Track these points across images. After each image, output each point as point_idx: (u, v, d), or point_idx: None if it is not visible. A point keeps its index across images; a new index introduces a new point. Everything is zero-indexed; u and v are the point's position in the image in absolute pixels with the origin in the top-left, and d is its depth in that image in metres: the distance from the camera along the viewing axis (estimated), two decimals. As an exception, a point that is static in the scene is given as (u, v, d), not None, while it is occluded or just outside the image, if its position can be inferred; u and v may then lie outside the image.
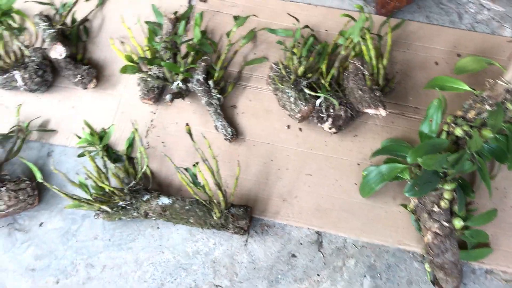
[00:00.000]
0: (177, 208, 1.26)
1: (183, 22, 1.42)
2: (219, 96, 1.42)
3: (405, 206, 1.30)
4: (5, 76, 1.42)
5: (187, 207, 1.26)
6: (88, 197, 1.20)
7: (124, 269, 1.26)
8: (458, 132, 1.19)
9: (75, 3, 1.57)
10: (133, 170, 1.32)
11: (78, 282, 1.25)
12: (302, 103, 1.35)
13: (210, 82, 1.42)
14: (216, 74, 1.45)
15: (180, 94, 1.41)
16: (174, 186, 1.36)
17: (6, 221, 1.31)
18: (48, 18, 1.56)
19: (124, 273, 1.26)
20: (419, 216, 1.24)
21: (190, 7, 1.60)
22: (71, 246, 1.29)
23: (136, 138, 1.32)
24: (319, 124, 1.38)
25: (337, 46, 1.46)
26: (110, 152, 1.35)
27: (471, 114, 1.20)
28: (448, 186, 1.16)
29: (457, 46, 1.53)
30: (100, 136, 1.35)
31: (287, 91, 1.37)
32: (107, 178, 1.25)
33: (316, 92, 1.37)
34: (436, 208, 1.18)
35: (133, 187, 1.26)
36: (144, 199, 1.26)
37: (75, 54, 1.51)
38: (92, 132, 1.36)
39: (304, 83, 1.38)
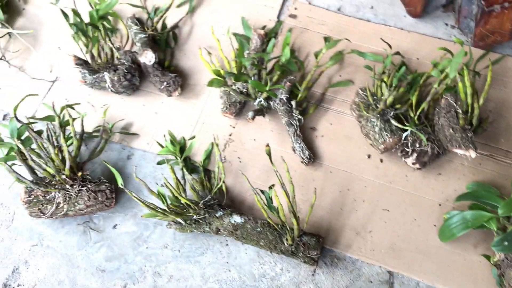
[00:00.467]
0: (248, 228, 1.25)
1: (272, 40, 1.40)
2: (300, 117, 1.39)
3: (488, 257, 1.23)
4: (95, 76, 1.46)
5: (258, 229, 1.24)
6: (165, 208, 1.21)
7: (190, 282, 1.27)
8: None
9: (167, 9, 1.59)
10: (209, 183, 1.32)
11: (144, 288, 1.27)
12: (387, 134, 1.30)
13: (293, 103, 1.40)
14: (299, 95, 1.42)
15: (261, 111, 1.40)
16: (246, 204, 1.35)
17: (83, 219, 1.35)
18: (140, 22, 1.60)
19: (190, 287, 1.26)
20: (503, 272, 1.16)
21: (279, 22, 1.58)
22: (141, 252, 1.31)
23: (216, 152, 1.32)
24: (402, 158, 1.33)
25: (428, 77, 1.39)
26: (187, 162, 1.36)
27: None
28: (542, 247, 1.08)
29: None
30: (180, 147, 1.36)
31: (372, 120, 1.33)
32: (184, 190, 1.26)
33: (403, 124, 1.32)
34: (525, 268, 1.10)
35: (208, 202, 1.26)
36: (217, 215, 1.26)
37: (163, 60, 1.54)
38: (174, 142, 1.37)
39: (392, 113, 1.33)
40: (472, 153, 1.23)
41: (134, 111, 1.49)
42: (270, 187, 1.18)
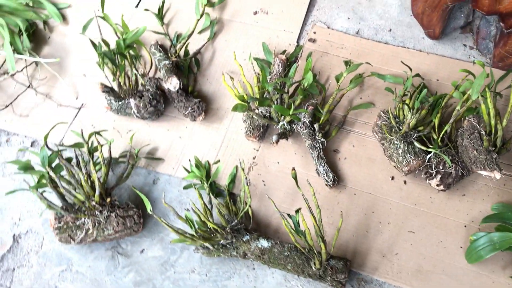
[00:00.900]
0: (275, 252, 1.26)
1: (294, 65, 1.43)
2: (323, 140, 1.41)
3: (516, 279, 1.22)
4: (121, 103, 1.49)
5: (285, 253, 1.25)
6: (193, 233, 1.22)
7: (218, 306, 1.28)
8: None
9: (189, 35, 1.62)
10: (234, 207, 1.34)
11: (172, 312, 1.28)
12: (411, 157, 1.31)
13: (316, 126, 1.41)
14: (322, 118, 1.44)
15: (284, 135, 1.42)
16: (272, 227, 1.36)
17: (111, 244, 1.37)
18: (163, 48, 1.63)
19: (218, 311, 1.27)
20: (533, 294, 1.15)
21: (300, 47, 1.61)
22: (169, 277, 1.32)
23: (242, 176, 1.34)
24: (427, 180, 1.33)
25: (449, 98, 1.40)
26: (213, 187, 1.38)
27: None
28: None
29: None
30: (206, 171, 1.38)
31: (395, 142, 1.34)
32: (211, 215, 1.28)
33: (427, 146, 1.33)
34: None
35: (234, 226, 1.27)
36: (244, 239, 1.27)
37: (187, 85, 1.57)
38: (200, 167, 1.39)
39: (415, 136, 1.34)
40: (497, 175, 1.23)
41: (159, 136, 1.51)
42: (296, 211, 1.19)
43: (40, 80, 1.65)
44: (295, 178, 1.21)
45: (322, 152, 1.40)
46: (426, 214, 1.34)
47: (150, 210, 1.21)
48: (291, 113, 1.36)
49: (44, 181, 1.29)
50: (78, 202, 1.28)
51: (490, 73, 1.33)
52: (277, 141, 1.36)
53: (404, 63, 1.49)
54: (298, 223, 1.20)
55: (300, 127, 1.42)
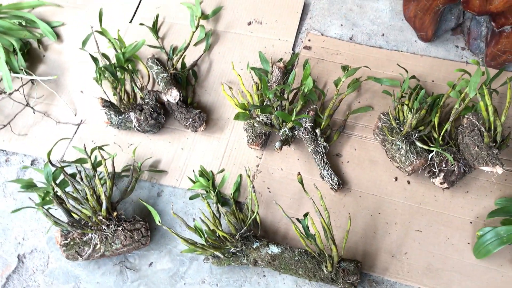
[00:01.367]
0: (286, 258, 1.25)
1: (293, 72, 1.44)
2: (325, 144, 1.42)
3: (525, 271, 1.24)
4: (121, 117, 1.49)
5: (296, 258, 1.25)
6: (203, 242, 1.22)
7: (230, 316, 1.27)
8: None
9: (186, 48, 1.63)
10: (242, 214, 1.34)
11: (185, 325, 1.27)
12: (413, 156, 1.32)
13: (317, 131, 1.43)
14: (323, 123, 1.45)
15: (286, 141, 1.42)
16: (280, 233, 1.36)
17: (118, 258, 1.36)
18: (160, 62, 1.64)
19: (231, 320, 1.26)
20: (543, 285, 1.17)
21: (296, 54, 1.63)
22: (179, 289, 1.31)
23: (248, 183, 1.34)
24: (430, 179, 1.35)
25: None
26: (218, 196, 1.38)
27: None
28: None
29: None
30: (211, 180, 1.38)
31: (397, 143, 1.35)
32: (220, 224, 1.27)
33: (428, 145, 1.35)
34: None
35: (243, 234, 1.27)
36: (254, 246, 1.27)
37: (186, 97, 1.57)
38: (207, 177, 1.39)
39: (416, 136, 1.36)
40: (499, 170, 1.25)
41: (161, 148, 1.51)
42: (305, 215, 1.20)
43: (37, 98, 1.64)
44: (302, 183, 1.22)
45: (325, 156, 1.41)
46: (432, 213, 1.35)
47: (159, 221, 1.20)
48: (293, 118, 1.37)
49: (48, 198, 1.28)
50: (84, 217, 1.27)
51: (485, 70, 1.36)
52: (280, 148, 1.37)
53: (400, 66, 1.52)
54: (308, 227, 1.20)
55: (302, 133, 1.43)
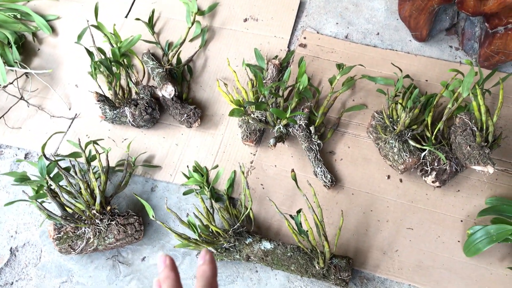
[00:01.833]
0: (278, 254, 1.26)
1: (289, 69, 1.45)
2: (319, 142, 1.43)
3: (514, 270, 1.25)
4: (115, 112, 1.48)
5: (289, 254, 1.26)
6: (196, 237, 1.22)
7: (223, 310, 1.27)
8: None
9: (181, 44, 1.63)
10: (235, 210, 1.34)
11: (177, 319, 1.27)
12: (406, 155, 1.34)
13: (312, 128, 1.44)
14: (317, 120, 1.46)
15: (281, 138, 1.43)
16: (273, 229, 1.37)
17: (111, 253, 1.36)
18: (155, 57, 1.64)
19: (223, 315, 1.27)
20: (532, 283, 1.18)
21: (291, 52, 1.63)
22: (172, 283, 1.31)
23: (242, 179, 1.35)
24: (422, 177, 1.36)
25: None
26: (212, 192, 1.38)
27: None
28: None
29: None
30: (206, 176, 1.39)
31: (391, 141, 1.37)
32: (214, 219, 1.28)
33: (421, 144, 1.36)
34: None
35: (237, 230, 1.28)
36: (247, 242, 1.28)
37: (181, 93, 1.57)
38: (202, 172, 1.39)
39: (409, 134, 1.37)
40: (490, 169, 1.27)
41: (155, 144, 1.51)
42: (298, 212, 1.20)
43: (31, 92, 1.64)
44: (295, 180, 1.23)
45: (319, 154, 1.42)
46: (423, 211, 1.36)
47: (153, 216, 1.21)
48: (287, 115, 1.38)
49: (42, 191, 1.28)
50: (78, 211, 1.27)
51: (478, 71, 1.38)
52: (274, 144, 1.37)
53: (394, 65, 1.53)
54: (301, 224, 1.21)
55: (297, 130, 1.44)
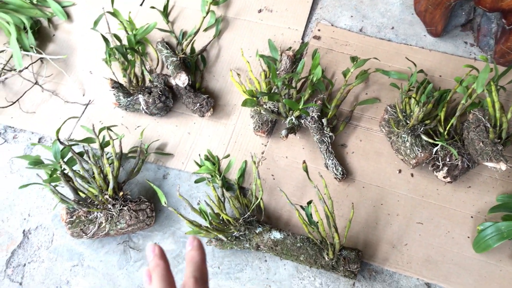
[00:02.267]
0: (288, 244, 1.27)
1: (303, 61, 1.45)
2: (331, 134, 1.43)
3: (524, 267, 1.25)
4: (129, 99, 1.49)
5: (298, 244, 1.27)
6: (207, 225, 1.23)
7: (231, 298, 1.28)
8: None
9: (195, 33, 1.64)
10: (246, 199, 1.35)
11: (186, 306, 1.28)
12: (418, 149, 1.34)
13: (324, 120, 1.44)
14: (329, 113, 1.46)
15: (293, 129, 1.43)
16: (282, 220, 1.38)
17: (122, 238, 1.38)
18: (169, 46, 1.65)
19: (231, 303, 1.28)
20: (541, 281, 1.18)
21: (305, 44, 1.63)
22: (182, 270, 1.33)
23: (253, 169, 1.35)
24: (434, 172, 1.36)
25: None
26: (223, 180, 1.39)
27: None
28: None
29: None
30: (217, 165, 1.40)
31: (403, 135, 1.36)
32: (225, 208, 1.29)
33: (433, 139, 1.36)
34: None
35: (247, 219, 1.29)
36: (257, 231, 1.29)
37: (194, 82, 1.58)
38: (214, 161, 1.40)
39: (421, 129, 1.37)
40: (502, 166, 1.26)
41: (168, 132, 1.52)
42: (308, 203, 1.21)
43: (46, 77, 1.65)
44: (306, 171, 1.23)
45: (330, 146, 1.42)
46: (434, 206, 1.36)
47: (165, 203, 1.22)
48: (300, 107, 1.38)
49: (55, 175, 1.29)
50: (91, 195, 1.28)
51: (494, 67, 1.37)
52: (286, 135, 1.38)
53: (409, 59, 1.52)
54: (311, 215, 1.22)
55: (309, 122, 1.44)
